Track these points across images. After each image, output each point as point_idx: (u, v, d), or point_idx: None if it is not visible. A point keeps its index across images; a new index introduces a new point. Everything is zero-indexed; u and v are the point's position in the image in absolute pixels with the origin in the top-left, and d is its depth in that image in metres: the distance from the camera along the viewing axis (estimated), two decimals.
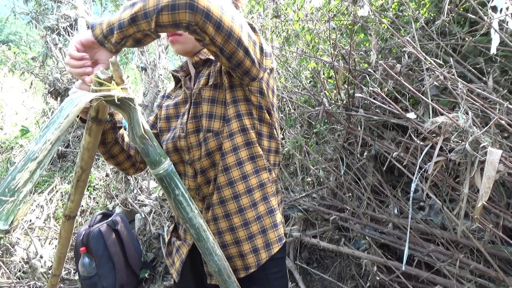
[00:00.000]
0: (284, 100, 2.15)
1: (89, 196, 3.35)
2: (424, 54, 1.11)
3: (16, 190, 0.48)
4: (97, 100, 0.59)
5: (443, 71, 1.05)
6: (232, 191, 0.83)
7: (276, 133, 0.91)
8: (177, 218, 0.98)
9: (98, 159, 3.65)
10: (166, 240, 1.03)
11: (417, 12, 1.62)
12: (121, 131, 0.94)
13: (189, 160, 0.87)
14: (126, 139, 0.96)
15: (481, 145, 0.84)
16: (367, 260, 1.54)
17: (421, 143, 1.08)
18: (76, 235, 2.29)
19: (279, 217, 0.89)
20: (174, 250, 0.96)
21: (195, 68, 0.91)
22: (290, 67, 2.31)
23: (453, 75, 1.02)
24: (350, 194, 1.81)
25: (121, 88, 0.64)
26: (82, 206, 3.23)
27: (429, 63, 1.12)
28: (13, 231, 2.65)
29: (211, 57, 0.88)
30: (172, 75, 0.98)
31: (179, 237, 0.98)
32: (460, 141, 0.90)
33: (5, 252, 2.61)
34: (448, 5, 1.26)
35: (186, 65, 0.97)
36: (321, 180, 2.00)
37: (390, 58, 1.59)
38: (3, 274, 2.44)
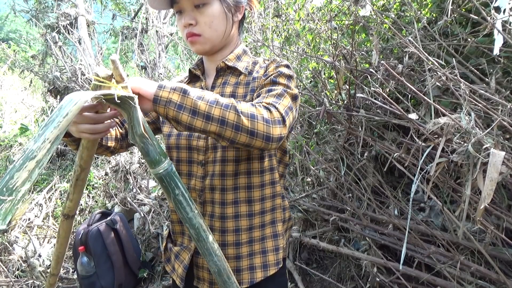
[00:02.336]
0: None
1: (88, 195, 3.35)
2: (426, 54, 1.10)
3: (14, 190, 0.47)
4: (97, 98, 0.58)
5: (445, 71, 1.04)
6: (249, 209, 0.86)
7: (287, 158, 0.94)
8: (172, 226, 0.97)
9: (97, 158, 3.64)
10: (162, 247, 1.02)
11: (419, 12, 1.61)
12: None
13: (203, 161, 0.86)
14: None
15: (484, 147, 0.84)
16: (367, 261, 1.53)
17: (423, 144, 1.08)
18: (74, 234, 2.28)
19: (281, 243, 0.91)
20: (173, 257, 0.95)
21: (216, 71, 0.90)
22: None
23: (455, 76, 1.01)
24: (350, 194, 1.80)
25: (121, 87, 0.63)
26: (81, 205, 3.23)
27: (431, 64, 1.11)
28: (11, 230, 2.64)
29: (238, 66, 0.89)
30: (190, 71, 0.96)
31: (174, 243, 0.97)
32: (462, 143, 0.89)
33: (3, 250, 2.60)
34: (451, 5, 1.25)
35: (202, 64, 0.97)
36: (321, 180, 1.99)
37: (391, 59, 1.58)
38: (1, 272, 2.43)
